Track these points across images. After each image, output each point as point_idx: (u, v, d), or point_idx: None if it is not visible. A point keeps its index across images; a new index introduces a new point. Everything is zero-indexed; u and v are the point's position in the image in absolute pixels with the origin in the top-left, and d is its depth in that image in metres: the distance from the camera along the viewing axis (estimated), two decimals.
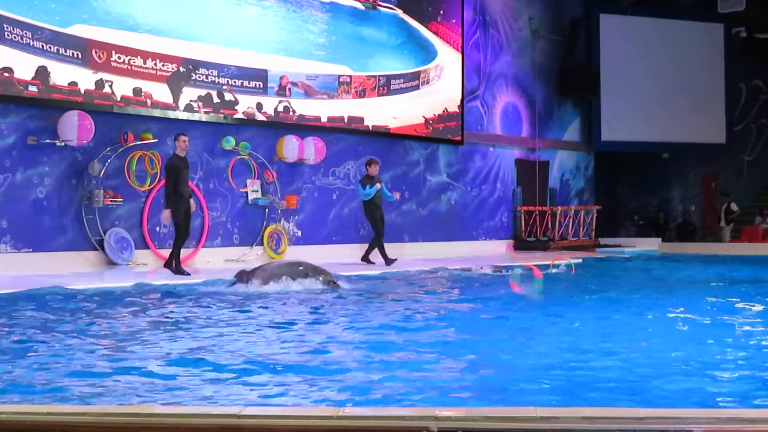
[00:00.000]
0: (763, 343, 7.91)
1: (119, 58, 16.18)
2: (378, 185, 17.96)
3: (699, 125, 28.40)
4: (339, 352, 7.27)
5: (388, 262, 17.90)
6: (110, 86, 15.99)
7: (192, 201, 15.07)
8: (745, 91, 30.20)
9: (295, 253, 18.49)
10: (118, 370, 6.34)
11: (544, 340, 8.10)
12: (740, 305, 10.82)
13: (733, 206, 27.58)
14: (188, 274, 14.59)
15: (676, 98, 27.97)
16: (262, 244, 18.52)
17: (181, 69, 17.06)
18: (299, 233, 19.23)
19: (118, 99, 16.11)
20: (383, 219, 18.27)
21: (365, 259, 18.21)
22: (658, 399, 5.54)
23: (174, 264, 14.91)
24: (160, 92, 16.77)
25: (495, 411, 3.82)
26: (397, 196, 18.62)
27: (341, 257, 18.74)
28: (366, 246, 18.52)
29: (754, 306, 10.80)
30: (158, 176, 16.57)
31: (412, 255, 20.89)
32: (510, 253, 23.65)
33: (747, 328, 8.89)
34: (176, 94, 17.05)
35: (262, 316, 9.65)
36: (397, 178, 21.62)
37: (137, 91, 16.40)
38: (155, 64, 16.73)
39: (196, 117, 17.39)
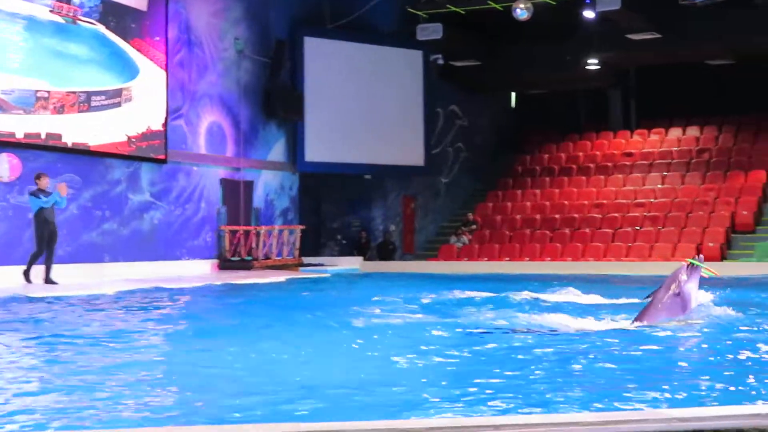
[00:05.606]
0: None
1: None
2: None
3: (400, 148, 29.32)
4: None
5: (28, 280, 17.67)
6: None
7: None
8: (443, 115, 31.54)
9: None
10: None
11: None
12: None
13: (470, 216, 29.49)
14: None
15: (379, 121, 28.76)
16: None
17: None
18: None
19: None
20: (54, 235, 17.91)
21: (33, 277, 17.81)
22: None
23: None
24: None
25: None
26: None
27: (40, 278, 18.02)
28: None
29: None
30: None
31: (114, 276, 20.42)
32: (215, 273, 23.58)
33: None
34: None
35: None
36: (97, 197, 21.09)
37: None
38: None
39: None
